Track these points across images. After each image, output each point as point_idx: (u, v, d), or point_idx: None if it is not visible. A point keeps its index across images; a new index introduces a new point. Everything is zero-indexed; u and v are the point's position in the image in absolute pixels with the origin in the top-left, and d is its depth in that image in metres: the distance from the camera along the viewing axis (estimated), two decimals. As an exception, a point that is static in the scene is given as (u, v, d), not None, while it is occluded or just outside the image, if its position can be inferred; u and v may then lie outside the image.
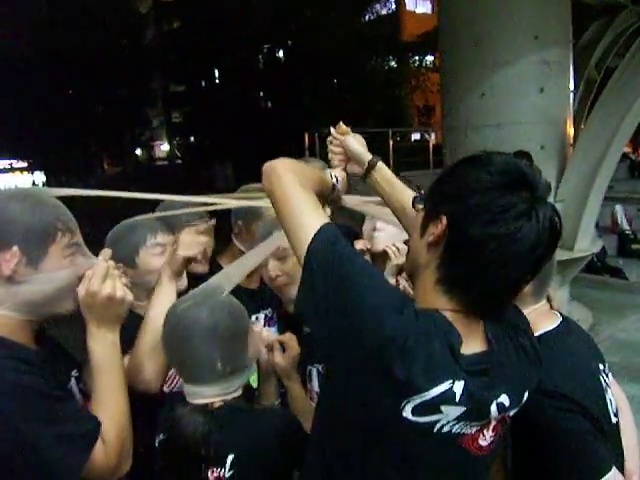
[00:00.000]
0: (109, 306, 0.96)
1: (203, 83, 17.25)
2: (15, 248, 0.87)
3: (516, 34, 4.00)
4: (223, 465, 0.98)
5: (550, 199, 0.78)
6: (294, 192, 0.82)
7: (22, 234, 0.88)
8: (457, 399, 0.74)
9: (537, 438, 0.98)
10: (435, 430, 0.75)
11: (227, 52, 14.31)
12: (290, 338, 1.20)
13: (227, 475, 0.98)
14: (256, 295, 1.70)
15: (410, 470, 0.79)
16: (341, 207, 1.15)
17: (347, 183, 1.14)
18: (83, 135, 14.59)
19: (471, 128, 4.22)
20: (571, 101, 4.45)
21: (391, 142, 9.15)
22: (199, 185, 12.48)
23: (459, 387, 0.74)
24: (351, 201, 1.17)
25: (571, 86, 4.40)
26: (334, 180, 1.05)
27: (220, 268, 1.58)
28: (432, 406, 0.73)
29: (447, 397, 0.73)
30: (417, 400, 0.73)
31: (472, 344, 0.79)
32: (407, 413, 0.73)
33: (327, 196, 1.03)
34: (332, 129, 1.17)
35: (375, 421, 0.78)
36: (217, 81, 16.86)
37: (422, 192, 0.92)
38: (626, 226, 7.52)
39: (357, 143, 1.15)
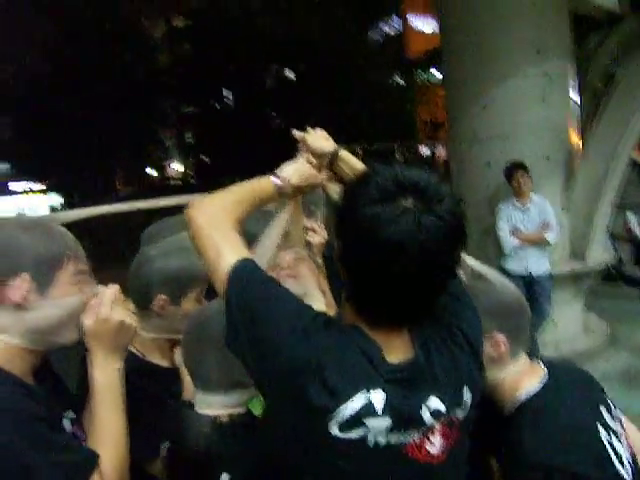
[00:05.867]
0: (119, 333, 0.95)
1: (215, 104, 17.56)
2: (26, 275, 0.88)
3: (517, 48, 4.03)
4: None
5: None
6: (209, 234, 0.88)
7: (32, 261, 0.89)
8: (379, 411, 0.73)
9: None
10: (371, 445, 0.74)
11: (237, 73, 14.57)
12: None
13: None
14: None
15: None
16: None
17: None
18: (98, 156, 14.87)
19: (476, 140, 4.24)
20: (574, 111, 4.45)
21: (398, 156, 9.19)
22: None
23: (379, 398, 0.73)
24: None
25: (574, 96, 4.40)
26: (275, 180, 1.07)
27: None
28: (355, 421, 0.72)
29: (367, 410, 0.72)
30: (338, 417, 0.72)
31: (396, 353, 0.79)
32: (335, 431, 0.73)
33: (276, 197, 1.07)
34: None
35: (311, 446, 0.76)
36: (228, 102, 17.17)
37: None
38: None
39: (317, 139, 1.19)
